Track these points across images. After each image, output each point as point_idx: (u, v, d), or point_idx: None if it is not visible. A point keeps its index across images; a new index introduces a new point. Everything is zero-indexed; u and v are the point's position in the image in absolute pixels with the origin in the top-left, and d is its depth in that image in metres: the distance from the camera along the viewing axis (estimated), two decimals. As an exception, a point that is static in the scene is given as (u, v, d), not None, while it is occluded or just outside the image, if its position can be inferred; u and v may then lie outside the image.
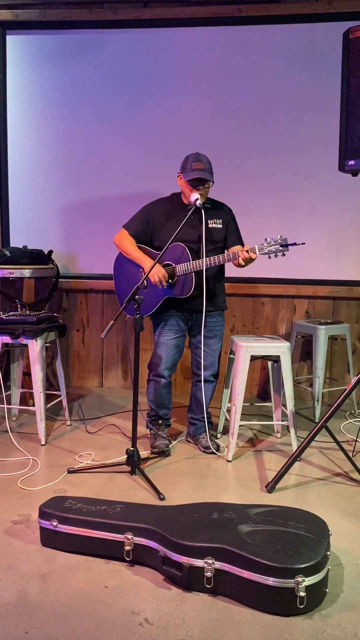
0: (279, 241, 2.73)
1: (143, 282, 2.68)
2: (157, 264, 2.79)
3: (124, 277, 3.06)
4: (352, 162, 2.59)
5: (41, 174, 4.32)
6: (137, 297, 2.59)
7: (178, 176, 2.93)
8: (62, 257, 4.31)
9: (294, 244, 2.74)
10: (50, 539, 2.06)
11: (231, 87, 4.06)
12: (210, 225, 2.95)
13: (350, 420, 3.62)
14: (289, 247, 2.73)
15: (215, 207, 3.02)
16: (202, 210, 2.82)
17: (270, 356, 3.19)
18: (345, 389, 2.69)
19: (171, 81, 4.11)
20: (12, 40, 4.23)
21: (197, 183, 2.84)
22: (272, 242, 2.74)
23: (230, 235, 3.02)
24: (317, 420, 3.59)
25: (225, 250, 3.02)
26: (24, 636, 1.59)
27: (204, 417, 3.09)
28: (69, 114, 4.23)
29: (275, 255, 2.75)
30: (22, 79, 4.26)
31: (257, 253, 2.75)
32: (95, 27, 4.12)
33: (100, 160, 4.24)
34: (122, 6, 4.05)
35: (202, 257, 2.83)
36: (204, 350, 3.02)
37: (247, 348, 2.93)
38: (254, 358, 3.03)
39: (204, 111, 4.10)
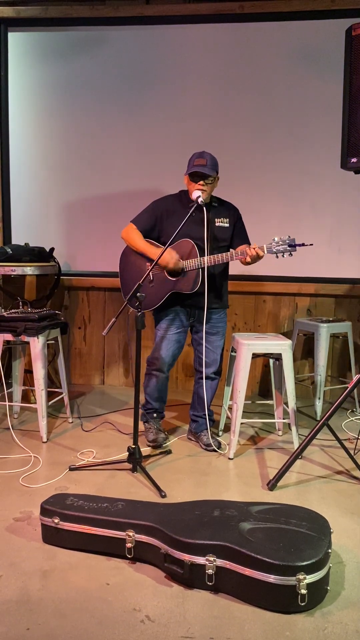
0: (287, 241, 2.76)
1: (149, 273, 2.72)
2: (169, 253, 2.83)
3: (130, 272, 3.05)
4: (354, 160, 2.59)
5: (43, 171, 4.32)
6: (138, 294, 2.59)
7: (185, 176, 2.95)
8: (64, 254, 4.31)
9: (302, 244, 2.76)
10: (51, 536, 2.06)
11: (233, 84, 4.05)
12: (217, 224, 2.97)
13: (351, 418, 3.62)
14: (297, 247, 2.75)
15: (222, 206, 3.04)
16: (204, 208, 2.83)
17: (271, 354, 3.19)
18: (347, 387, 2.69)
19: (173, 78, 4.10)
20: (14, 37, 4.23)
21: (197, 178, 2.85)
22: (280, 242, 2.76)
23: (236, 235, 3.03)
24: (318, 418, 3.59)
25: (231, 250, 3.03)
26: (25, 633, 1.60)
27: (205, 415, 3.10)
28: (71, 111, 4.23)
29: (283, 255, 2.77)
30: (23, 76, 4.25)
31: (265, 252, 2.77)
32: (97, 24, 4.11)
33: (101, 157, 4.24)
34: (124, 3, 4.04)
35: (206, 255, 2.85)
36: (206, 347, 3.04)
37: (249, 346, 2.93)
38: (255, 356, 3.03)
39: (205, 108, 4.09)
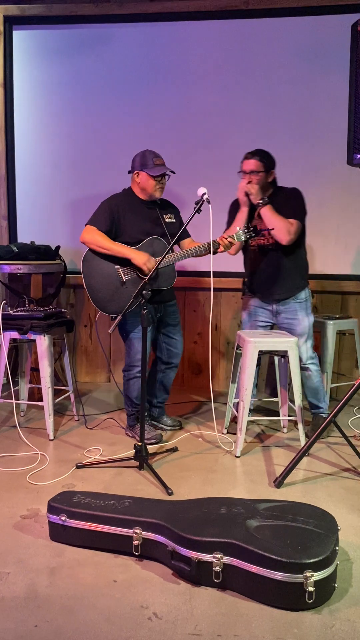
0: (251, 228, 3.01)
1: (152, 274, 2.73)
2: (142, 253, 2.93)
3: (96, 277, 3.00)
4: (360, 156, 2.57)
5: (48, 170, 4.32)
6: (144, 292, 2.59)
7: (135, 173, 3.04)
8: (70, 252, 4.31)
9: (267, 230, 3.05)
10: (59, 534, 2.07)
11: (238, 80, 4.03)
12: (166, 220, 3.11)
13: (358, 415, 3.61)
14: (258, 233, 3.07)
15: (166, 203, 3.21)
16: (208, 204, 2.82)
17: (278, 351, 3.18)
18: (354, 384, 2.68)
19: (177, 75, 4.09)
20: (19, 35, 4.23)
21: (159, 176, 3.01)
22: (245, 230, 3.00)
23: (183, 230, 3.14)
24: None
25: (179, 243, 3.21)
26: (33, 630, 1.61)
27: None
28: (76, 109, 4.23)
29: (248, 241, 3.11)
30: (28, 74, 4.25)
31: (235, 239, 2.98)
32: (102, 22, 4.11)
33: (107, 155, 4.23)
34: (128, 0, 4.03)
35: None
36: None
37: (255, 343, 2.92)
38: (261, 353, 3.02)
39: (210, 105, 4.08)
